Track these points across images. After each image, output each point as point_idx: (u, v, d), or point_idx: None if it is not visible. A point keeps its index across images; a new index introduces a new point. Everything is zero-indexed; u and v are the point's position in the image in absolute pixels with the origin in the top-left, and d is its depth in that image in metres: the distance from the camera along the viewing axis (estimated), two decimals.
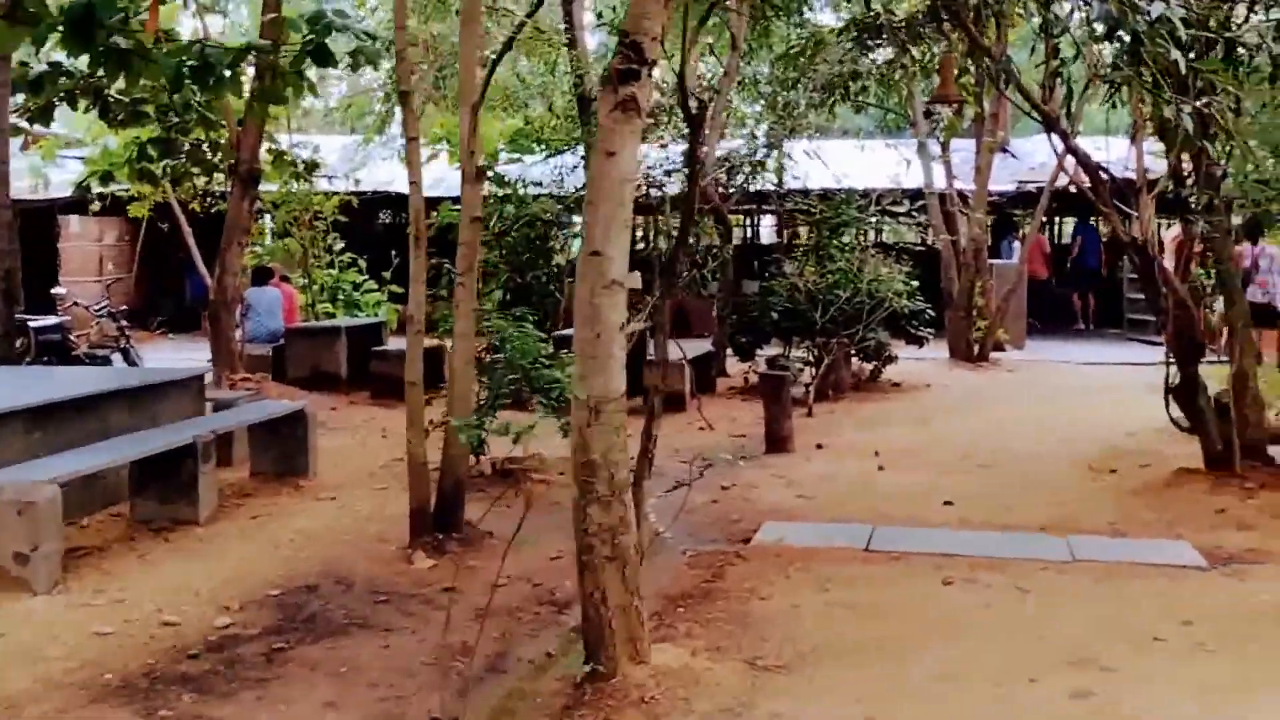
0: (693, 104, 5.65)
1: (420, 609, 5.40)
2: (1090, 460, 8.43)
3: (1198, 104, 5.59)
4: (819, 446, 9.27)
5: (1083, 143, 8.64)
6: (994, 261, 16.32)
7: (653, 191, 12.41)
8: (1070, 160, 7.60)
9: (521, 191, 13.13)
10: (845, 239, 12.38)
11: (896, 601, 5.16)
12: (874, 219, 12.56)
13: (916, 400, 11.69)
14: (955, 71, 6.72)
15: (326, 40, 7.10)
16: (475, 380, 7.42)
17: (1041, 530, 6.48)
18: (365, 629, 5.24)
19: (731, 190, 14.50)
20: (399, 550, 6.30)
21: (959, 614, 4.97)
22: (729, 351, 13.38)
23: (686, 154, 4.79)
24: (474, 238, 6.46)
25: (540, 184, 13.82)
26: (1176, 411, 7.61)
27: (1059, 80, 6.47)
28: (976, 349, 14.40)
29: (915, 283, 12.73)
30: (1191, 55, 5.47)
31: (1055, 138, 7.20)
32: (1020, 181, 17.31)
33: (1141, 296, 16.20)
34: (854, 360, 12.64)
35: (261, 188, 12.37)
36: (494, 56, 7.98)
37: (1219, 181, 7.03)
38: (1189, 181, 7.16)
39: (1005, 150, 19.37)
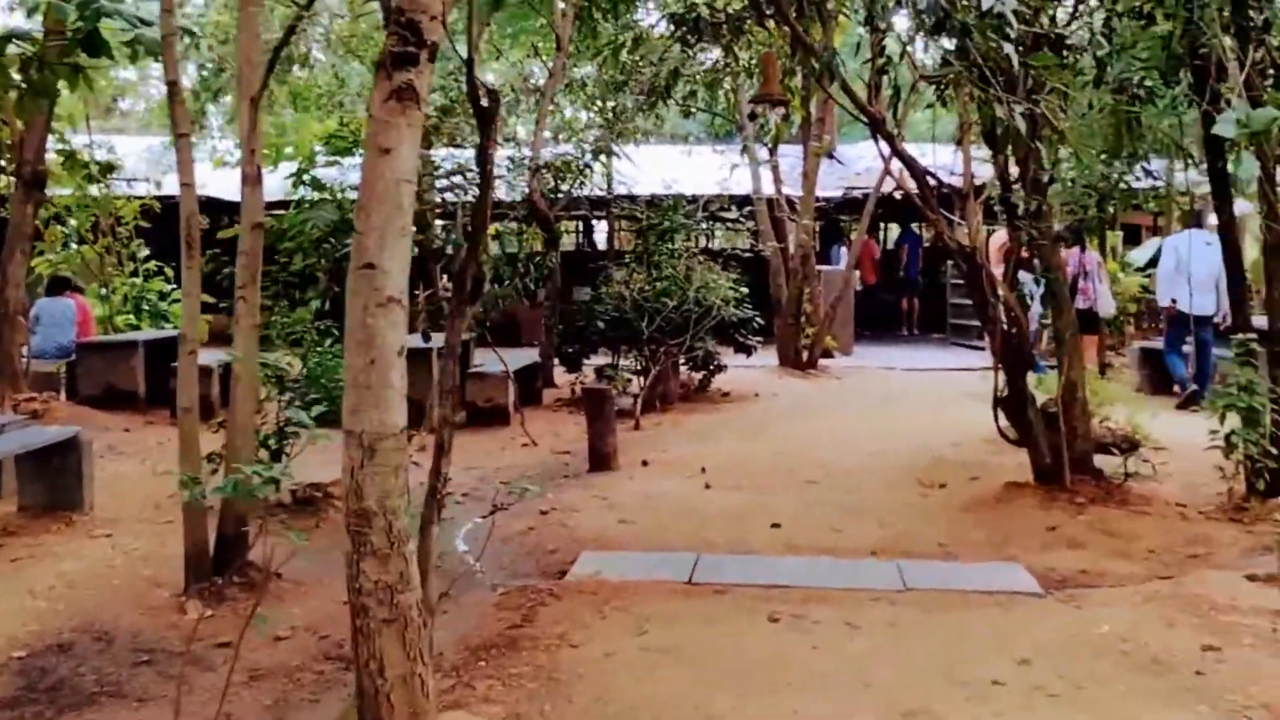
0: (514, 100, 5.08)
1: (187, 670, 4.65)
2: (919, 473, 8.20)
3: (1028, 102, 5.34)
4: (645, 463, 8.81)
5: (912, 150, 8.44)
6: (823, 268, 16.26)
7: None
8: (896, 165, 7.31)
9: (340, 195, 12.28)
10: (672, 245, 11.98)
11: (719, 644, 4.69)
12: (701, 225, 12.19)
13: (745, 410, 11.38)
14: (779, 70, 6.34)
15: (100, 27, 6.23)
16: (265, 404, 6.70)
17: (872, 555, 6.15)
18: (117, 698, 4.54)
19: (559, 196, 13.97)
20: (172, 598, 5.57)
21: (784, 658, 4.53)
22: (557, 362, 12.85)
23: (477, 154, 4.22)
24: (255, 246, 5.75)
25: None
26: (1005, 423, 7.43)
27: (885, 80, 6.18)
28: (805, 356, 14.24)
29: (745, 289, 12.45)
30: (1021, 50, 5.20)
31: (881, 141, 6.87)
32: (847, 187, 17.33)
33: (966, 301, 16.45)
34: (684, 369, 12.28)
35: (54, 191, 11.25)
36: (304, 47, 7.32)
37: (1045, 187, 6.86)
38: (1016, 186, 6.97)
39: (832, 156, 19.45)
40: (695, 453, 9.24)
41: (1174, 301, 11.32)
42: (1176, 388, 11.72)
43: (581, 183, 13.57)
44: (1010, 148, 6.58)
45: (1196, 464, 8.25)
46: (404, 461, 3.43)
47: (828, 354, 15.05)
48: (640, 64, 13.26)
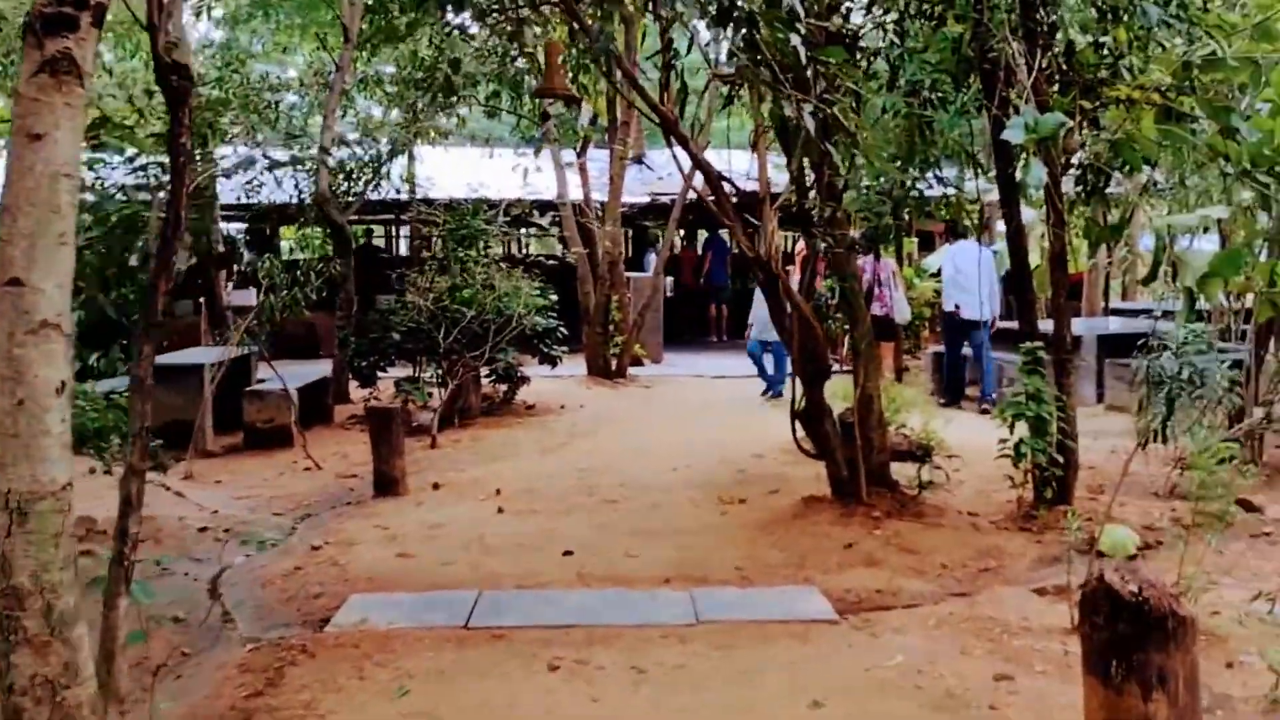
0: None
1: None
2: (720, 489, 7.87)
3: (818, 101, 5.02)
4: (436, 486, 8.20)
5: (711, 157, 8.10)
6: (632, 274, 15.91)
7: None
8: (696, 169, 6.94)
9: (112, 194, 11.16)
10: (472, 252, 11.37)
11: (489, 703, 4.16)
12: (504, 230, 11.62)
13: (549, 425, 10.87)
14: (563, 61, 5.87)
15: None
16: None
17: (666, 583, 5.73)
18: None
19: (351, 199, 13.17)
20: None
21: (561, 717, 4.03)
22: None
23: (168, 144, 3.57)
24: None
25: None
26: (803, 435, 7.16)
27: (673, 75, 5.79)
28: (614, 365, 13.85)
29: (553, 297, 11.97)
30: (811, 47, 4.86)
31: (678, 145, 6.49)
32: (654, 193, 17.05)
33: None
34: (487, 382, 11.69)
35: None
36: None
37: (840, 193, 6.61)
38: (812, 193, 6.69)
39: (640, 161, 19.17)
40: (492, 472, 8.69)
41: (958, 307, 11.76)
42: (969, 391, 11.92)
43: (377, 184, 12.83)
44: (804, 151, 6.29)
45: (988, 469, 8.19)
46: (65, 526, 2.77)
47: (637, 362, 14.71)
48: (440, 60, 12.66)
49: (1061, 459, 6.54)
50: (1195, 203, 7.27)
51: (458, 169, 16.44)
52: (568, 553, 6.32)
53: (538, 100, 13.80)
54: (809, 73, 5.00)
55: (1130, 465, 8.21)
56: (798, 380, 6.84)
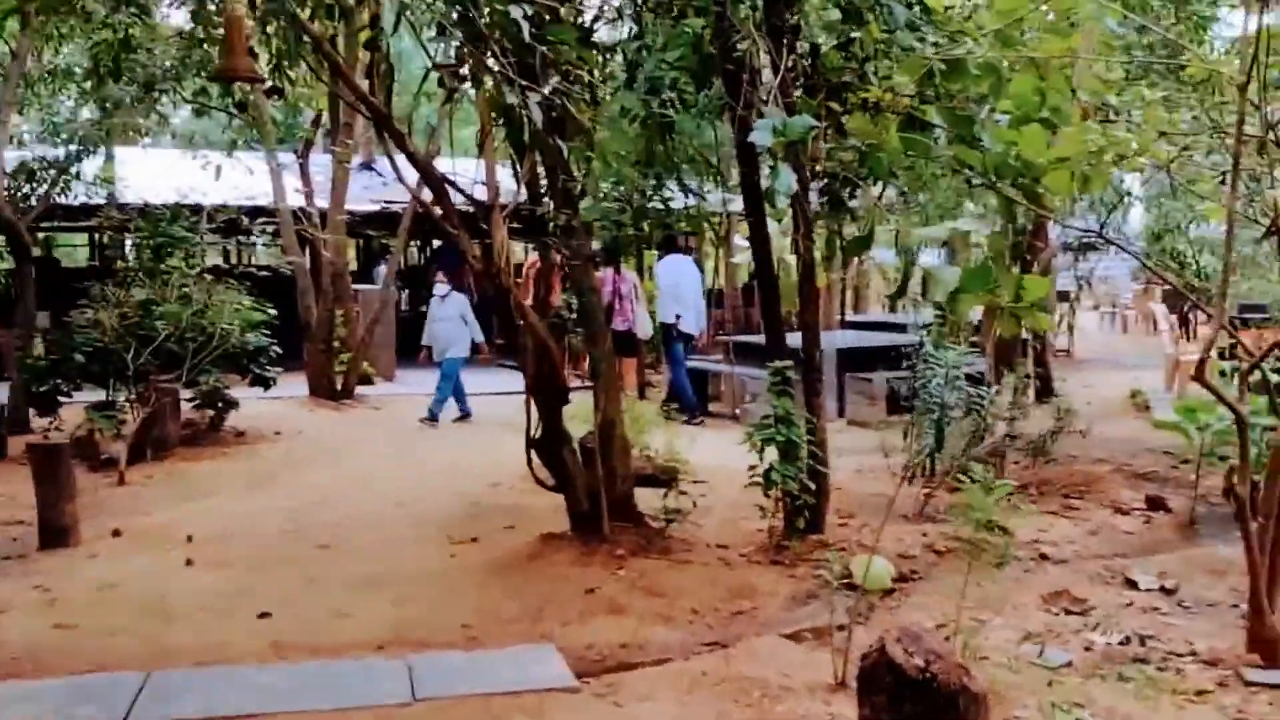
0: None
1: None
2: (450, 526, 7.05)
3: (551, 92, 4.33)
4: (116, 534, 6.98)
5: (444, 165, 7.25)
6: (360, 287, 14.77)
7: None
8: (415, 175, 6.11)
9: None
10: (172, 262, 10.02)
11: None
12: (209, 239, 10.31)
13: (260, 454, 9.68)
14: (247, 40, 4.93)
15: None
16: None
17: (379, 650, 4.87)
18: None
19: (31, 203, 11.46)
20: None
21: None
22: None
23: None
24: None
25: None
26: (540, 464, 6.45)
27: (381, 60, 4.96)
28: (340, 385, 12.69)
29: (273, 312, 10.77)
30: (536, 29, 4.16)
31: (393, 143, 5.65)
32: (385, 201, 15.93)
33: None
34: (191, 407, 10.34)
35: None
36: None
37: (576, 200, 5.95)
38: (546, 199, 6.00)
39: (370, 167, 17.99)
40: (186, 514, 7.52)
41: (678, 318, 12.03)
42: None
43: (64, 188, 11.19)
44: (535, 151, 5.59)
45: (737, 493, 7.75)
46: None
47: (367, 381, 13.58)
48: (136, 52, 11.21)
49: (813, 485, 6.12)
50: (934, 215, 7.08)
51: (167, 172, 14.75)
52: (264, 615, 5.34)
53: (242, 91, 12.54)
54: (536, 56, 4.29)
55: (878, 486, 8.07)
56: (533, 405, 6.12)
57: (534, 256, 11.18)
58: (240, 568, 6.23)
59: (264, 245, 14.31)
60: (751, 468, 6.21)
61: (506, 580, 5.81)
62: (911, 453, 7.10)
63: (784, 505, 6.23)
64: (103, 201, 13.34)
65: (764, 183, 5.34)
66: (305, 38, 5.30)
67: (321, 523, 7.22)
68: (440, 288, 11.77)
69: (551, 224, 5.97)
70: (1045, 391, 11.59)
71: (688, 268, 12.39)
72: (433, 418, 11.19)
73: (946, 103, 6.07)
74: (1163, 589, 5.63)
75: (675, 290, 12.03)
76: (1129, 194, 9.20)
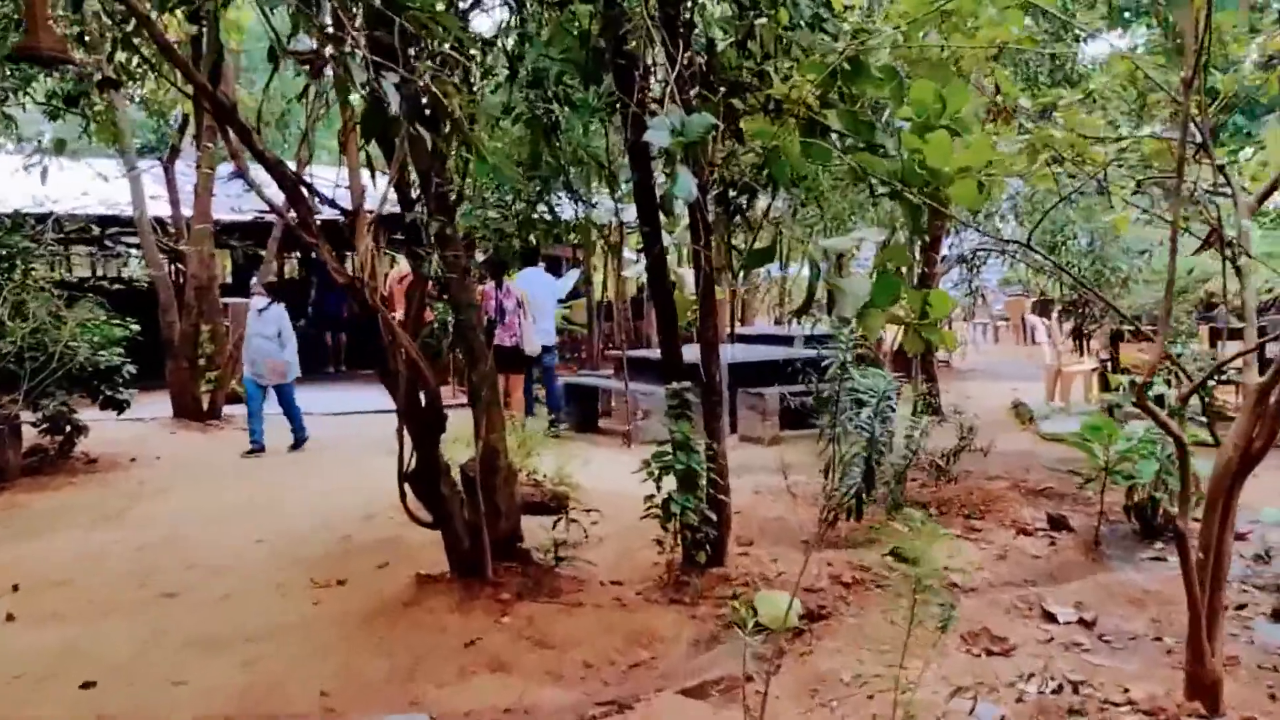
0: None
1: None
2: (315, 565, 6.25)
3: (414, 73, 3.63)
4: None
5: (328, 174, 6.42)
6: (230, 300, 13.70)
7: None
8: (264, 178, 5.31)
9: None
10: (15, 275, 8.92)
11: None
12: (54, 250, 9.22)
13: (111, 484, 8.67)
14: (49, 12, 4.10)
15: None
16: None
17: None
18: None
19: None
20: None
21: None
22: None
23: None
24: None
25: None
26: (416, 502, 5.70)
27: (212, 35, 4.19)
28: (206, 405, 11.67)
29: (136, 328, 9.76)
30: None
31: (237, 138, 4.86)
32: (259, 212, 14.86)
33: None
34: (38, 432, 9.26)
35: None
36: None
37: (453, 206, 5.24)
38: (419, 206, 5.28)
39: (243, 176, 16.85)
40: (17, 557, 6.56)
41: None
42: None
43: None
44: (408, 154, 4.86)
45: (630, 519, 7.14)
46: None
47: (236, 400, 12.52)
48: None
49: (714, 516, 5.52)
50: (830, 226, 6.56)
51: (22, 180, 13.44)
52: (88, 685, 4.50)
53: (101, 93, 11.43)
54: (395, 30, 3.58)
55: (777, 509, 7.52)
56: (405, 433, 5.37)
57: (403, 269, 10.35)
58: (71, 622, 5.35)
59: (137, 258, 13.15)
60: (648, 497, 5.59)
61: (376, 633, 5.05)
62: (835, 488, 6.56)
63: (683, 537, 5.62)
64: None
65: (659, 188, 4.72)
66: (131, 18, 4.49)
67: (170, 564, 6.34)
68: (258, 300, 10.42)
69: (424, 233, 5.25)
70: (931, 406, 11.26)
71: (542, 279, 11.74)
72: (300, 441, 10.31)
73: (848, 106, 5.57)
74: (1081, 621, 5.19)
75: (531, 305, 11.36)
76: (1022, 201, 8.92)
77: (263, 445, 9.96)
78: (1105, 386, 10.68)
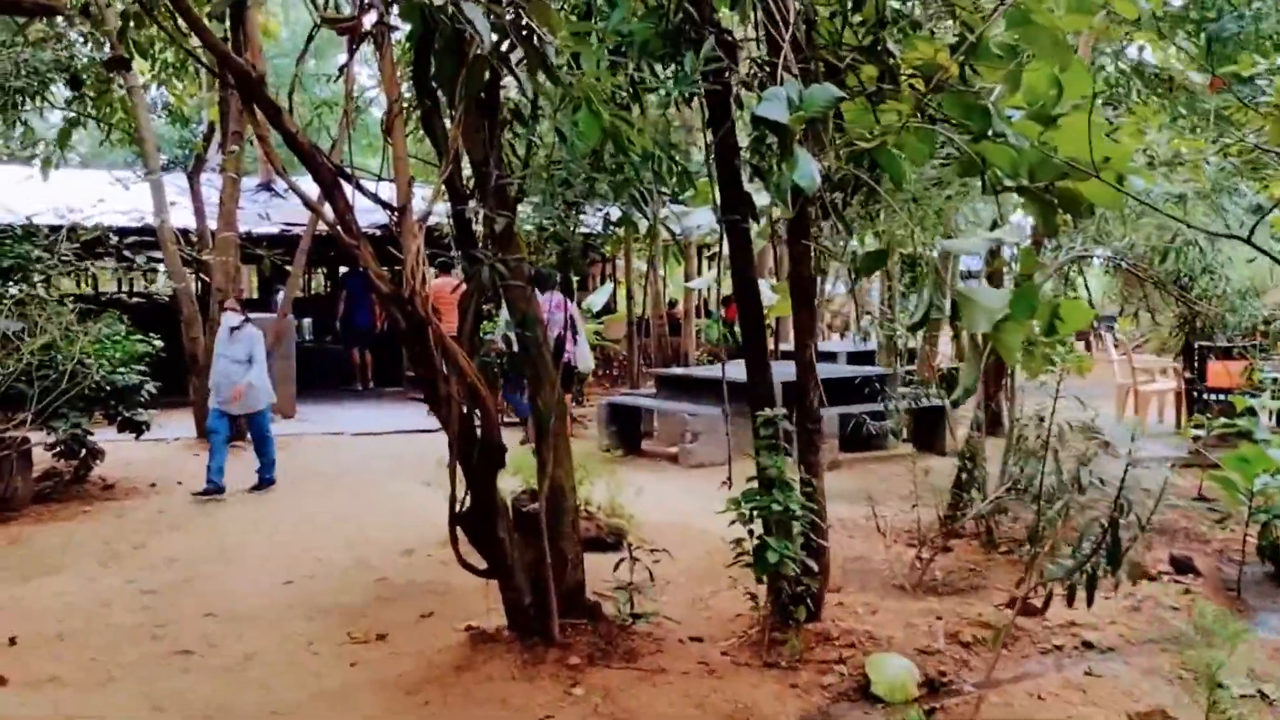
0: None
1: None
2: (351, 614, 5.37)
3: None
4: None
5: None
6: (254, 315, 12.83)
7: None
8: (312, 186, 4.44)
9: None
10: (24, 287, 8.11)
11: None
12: (70, 261, 8.38)
13: (127, 513, 7.79)
14: None
15: None
16: None
17: None
18: None
19: None
20: None
21: None
22: None
23: None
24: None
25: None
26: (466, 541, 4.80)
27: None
28: None
29: (159, 344, 8.94)
30: None
31: (268, 121, 4.02)
32: (286, 224, 14.06)
33: None
34: (51, 456, 8.41)
35: None
36: None
37: (515, 201, 4.37)
38: (474, 200, 4.41)
39: (269, 188, 16.09)
40: (17, 600, 5.73)
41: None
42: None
43: None
44: (459, 136, 4.00)
45: (695, 556, 6.28)
46: None
47: None
48: None
49: (815, 566, 4.62)
50: (931, 225, 5.66)
51: (47, 192, 12.63)
52: None
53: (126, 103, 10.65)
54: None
55: (859, 547, 6.60)
56: (459, 468, 4.48)
57: (449, 278, 9.48)
58: (70, 687, 4.48)
59: (160, 270, 12.32)
60: (737, 541, 4.67)
61: (423, 704, 4.16)
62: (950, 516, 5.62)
63: (777, 589, 4.70)
64: None
65: (778, 176, 3.84)
66: None
67: (186, 612, 5.47)
68: (231, 317, 8.79)
69: (482, 232, 4.39)
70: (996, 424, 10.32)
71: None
72: (265, 482, 8.65)
73: (962, 88, 4.69)
74: (1262, 695, 4.26)
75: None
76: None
77: (220, 487, 8.22)
78: (1190, 409, 9.73)
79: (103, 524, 7.50)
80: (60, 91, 10.64)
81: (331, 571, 6.18)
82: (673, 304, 17.24)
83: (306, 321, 17.68)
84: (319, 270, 21.94)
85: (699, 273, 14.85)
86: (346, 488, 8.66)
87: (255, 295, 17.67)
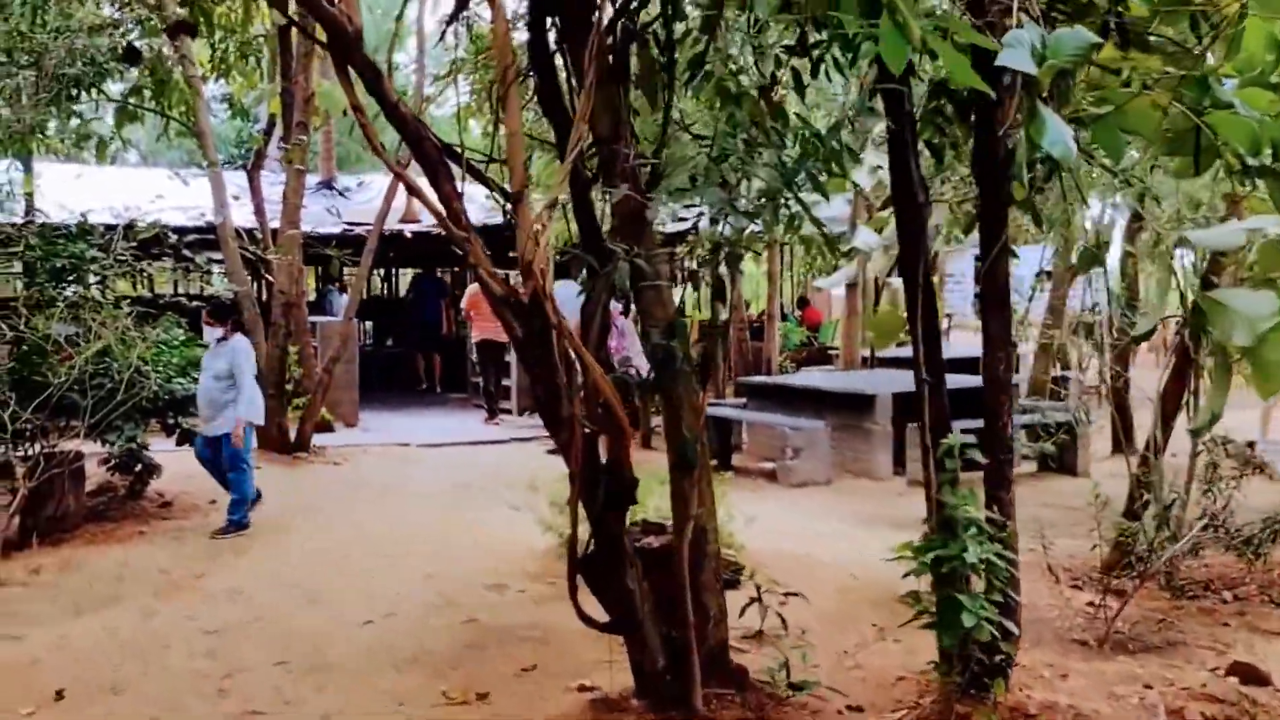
0: None
1: None
2: (441, 664, 4.67)
3: None
4: None
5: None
6: (318, 319, 12.30)
7: None
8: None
9: None
10: (70, 290, 7.52)
11: None
12: (124, 261, 7.78)
13: (186, 535, 7.18)
14: None
15: None
16: None
17: None
18: None
19: None
20: None
21: None
22: None
23: None
24: None
25: None
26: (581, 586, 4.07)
27: None
28: (294, 434, 10.20)
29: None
30: None
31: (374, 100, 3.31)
32: (349, 223, 13.49)
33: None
34: (105, 470, 7.84)
35: None
36: None
37: (659, 175, 3.64)
38: (598, 185, 3.69)
39: (330, 186, 15.54)
40: (68, 639, 5.10)
41: None
42: None
43: None
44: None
45: (825, 598, 5.51)
46: None
47: (325, 427, 11.10)
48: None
49: (1015, 631, 3.83)
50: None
51: (103, 190, 12.11)
52: None
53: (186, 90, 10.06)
54: None
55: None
56: (580, 504, 3.75)
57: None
58: None
59: (219, 272, 11.77)
60: (913, 600, 3.89)
61: None
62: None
63: (963, 656, 3.90)
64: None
65: (1022, 139, 3.05)
66: None
67: (255, 658, 4.80)
68: (212, 330, 7.62)
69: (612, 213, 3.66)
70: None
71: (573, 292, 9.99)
72: (238, 526, 7.20)
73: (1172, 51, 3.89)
74: None
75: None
76: None
77: (242, 523, 7.20)
78: None
79: (159, 547, 6.88)
80: (115, 88, 10.14)
81: (413, 610, 5.48)
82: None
83: (366, 325, 17.17)
84: (375, 272, 21.43)
85: (784, 272, 14.04)
86: (419, 508, 7.99)
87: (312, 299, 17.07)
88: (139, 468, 7.74)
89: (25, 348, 7.03)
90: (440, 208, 3.53)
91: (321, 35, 3.46)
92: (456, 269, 16.98)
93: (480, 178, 3.62)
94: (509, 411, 12.67)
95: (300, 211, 10.11)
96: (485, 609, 5.47)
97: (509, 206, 3.61)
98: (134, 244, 8.08)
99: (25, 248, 7.42)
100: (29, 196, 11.24)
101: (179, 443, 7.95)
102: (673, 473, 3.79)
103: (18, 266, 7.93)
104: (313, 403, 10.45)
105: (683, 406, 3.77)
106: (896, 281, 7.68)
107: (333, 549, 6.75)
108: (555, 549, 5.93)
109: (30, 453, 6.92)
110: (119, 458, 7.61)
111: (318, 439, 10.49)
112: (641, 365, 10.55)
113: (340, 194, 15.20)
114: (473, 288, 13.50)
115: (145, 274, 9.38)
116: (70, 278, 7.65)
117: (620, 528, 3.73)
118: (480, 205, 9.87)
